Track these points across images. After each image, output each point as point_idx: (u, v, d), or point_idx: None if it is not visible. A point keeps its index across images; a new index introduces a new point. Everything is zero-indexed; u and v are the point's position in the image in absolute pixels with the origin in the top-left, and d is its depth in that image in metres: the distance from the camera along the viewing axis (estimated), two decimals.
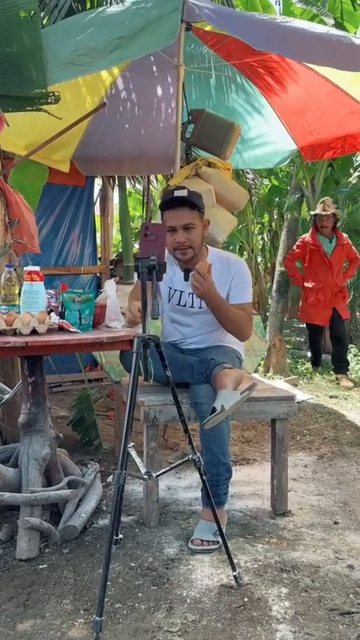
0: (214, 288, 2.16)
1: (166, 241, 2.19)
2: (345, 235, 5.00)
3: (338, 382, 4.71)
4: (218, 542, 1.98)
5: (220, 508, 2.08)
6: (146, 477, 1.70)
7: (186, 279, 2.30)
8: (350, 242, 4.94)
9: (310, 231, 5.04)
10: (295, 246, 5.19)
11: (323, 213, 4.80)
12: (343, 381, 4.69)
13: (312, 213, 5.15)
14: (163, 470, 1.83)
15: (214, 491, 2.03)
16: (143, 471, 1.70)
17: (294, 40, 2.33)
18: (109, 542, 1.58)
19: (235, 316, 2.26)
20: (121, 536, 2.06)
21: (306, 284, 4.95)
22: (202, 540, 2.01)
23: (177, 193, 2.22)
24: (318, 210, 4.89)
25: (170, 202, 2.22)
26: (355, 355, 5.61)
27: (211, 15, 2.22)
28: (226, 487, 2.11)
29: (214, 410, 1.90)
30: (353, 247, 4.94)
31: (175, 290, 2.36)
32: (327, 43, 2.36)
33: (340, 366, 4.90)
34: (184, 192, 2.22)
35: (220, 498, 2.08)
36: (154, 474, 1.72)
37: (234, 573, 1.76)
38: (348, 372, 4.88)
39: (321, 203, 4.88)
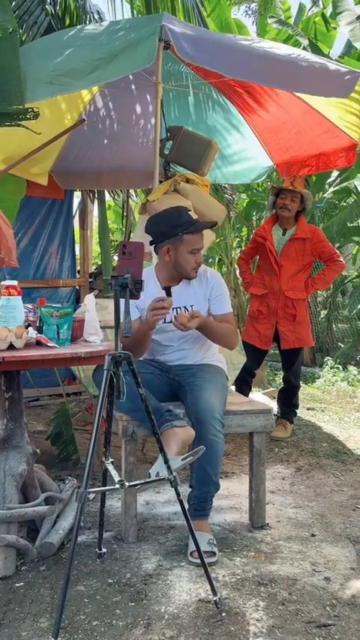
0: (199, 319, 2.19)
1: (187, 261, 2.27)
2: (313, 227, 3.63)
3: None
4: (215, 552, 2.03)
5: (205, 519, 2.15)
6: (118, 485, 1.70)
7: (168, 296, 2.32)
8: (323, 237, 3.56)
9: (266, 220, 3.73)
10: (250, 241, 3.92)
11: (290, 187, 3.44)
12: (279, 428, 3.60)
13: (273, 186, 3.78)
14: (138, 482, 1.83)
15: (202, 506, 2.12)
16: (117, 479, 1.70)
17: (267, 67, 2.39)
18: (68, 566, 1.57)
19: (222, 330, 2.33)
20: (104, 550, 2.06)
21: (252, 289, 3.67)
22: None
23: (200, 220, 2.34)
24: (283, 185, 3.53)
25: (202, 227, 2.30)
26: (331, 367, 5.69)
27: (185, 46, 2.26)
28: (212, 502, 2.17)
29: (149, 475, 1.89)
30: (329, 244, 3.57)
31: None
32: (300, 70, 2.43)
33: (287, 411, 3.67)
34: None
35: (205, 512, 2.15)
36: (127, 484, 1.72)
37: (214, 598, 1.75)
38: (294, 418, 3.72)
39: (291, 178, 3.56)
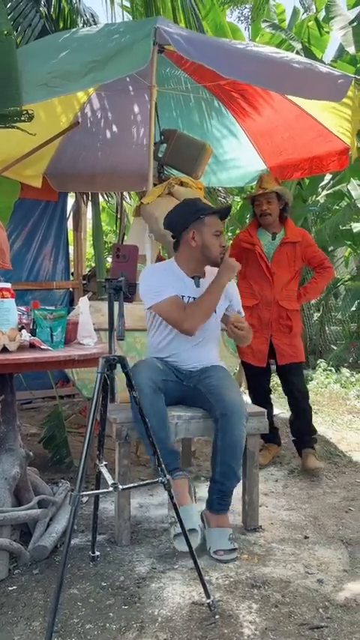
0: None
1: (212, 243, 2.30)
2: (302, 230, 3.31)
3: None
4: (235, 548, 2.08)
5: (226, 513, 2.19)
6: (112, 488, 1.70)
7: (197, 285, 2.37)
8: (312, 241, 3.26)
9: (249, 224, 3.40)
10: (230, 247, 3.55)
11: (260, 191, 3.13)
12: (309, 459, 3.03)
13: (246, 197, 3.41)
14: (132, 485, 1.83)
15: (225, 500, 2.17)
16: (110, 482, 1.71)
17: (262, 69, 2.41)
18: (61, 569, 1.57)
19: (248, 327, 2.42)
20: (97, 553, 2.05)
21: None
22: (223, 550, 2.06)
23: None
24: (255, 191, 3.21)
25: (225, 212, 2.41)
26: (324, 370, 5.71)
27: (181, 43, 2.28)
28: (232, 495, 2.21)
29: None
30: (319, 249, 3.27)
31: (189, 297, 2.35)
32: (294, 72, 2.45)
33: (304, 440, 3.15)
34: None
35: (227, 506, 2.19)
36: (120, 486, 1.73)
37: (207, 601, 1.75)
38: (315, 447, 3.16)
39: (258, 181, 3.24)
